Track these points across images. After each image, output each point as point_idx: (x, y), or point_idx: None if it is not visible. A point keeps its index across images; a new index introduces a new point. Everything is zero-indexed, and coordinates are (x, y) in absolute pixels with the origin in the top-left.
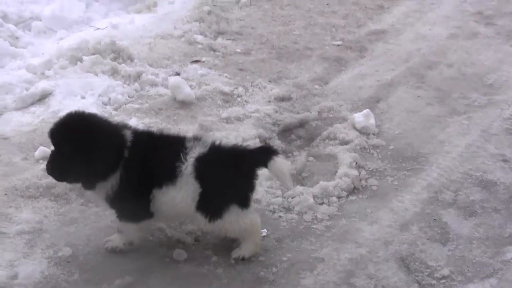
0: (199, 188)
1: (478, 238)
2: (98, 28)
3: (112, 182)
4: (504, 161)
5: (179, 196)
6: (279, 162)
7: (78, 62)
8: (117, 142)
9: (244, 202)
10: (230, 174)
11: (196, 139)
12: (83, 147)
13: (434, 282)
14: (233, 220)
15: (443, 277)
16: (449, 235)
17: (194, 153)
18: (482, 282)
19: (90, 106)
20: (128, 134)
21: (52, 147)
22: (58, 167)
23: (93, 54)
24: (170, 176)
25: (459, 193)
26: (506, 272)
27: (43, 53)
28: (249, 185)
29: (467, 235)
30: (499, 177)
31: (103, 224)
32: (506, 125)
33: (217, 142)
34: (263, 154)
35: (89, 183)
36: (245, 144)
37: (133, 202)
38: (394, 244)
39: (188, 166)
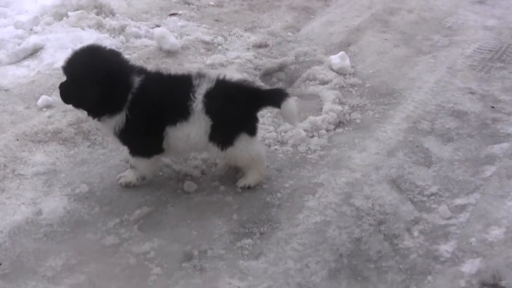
0: (210, 121)
1: (458, 160)
2: None
3: (117, 120)
4: (471, 93)
5: (193, 131)
6: (292, 103)
7: (64, 18)
8: (121, 82)
9: (252, 130)
10: (238, 105)
11: (201, 75)
12: (81, 76)
13: (424, 199)
14: (243, 147)
15: (432, 194)
16: (431, 158)
17: (201, 89)
18: (467, 197)
19: None
20: (135, 79)
21: None
22: (63, 90)
23: (77, 9)
24: (183, 113)
25: (435, 122)
26: (487, 187)
27: (26, 11)
28: (255, 116)
29: (448, 158)
30: (469, 107)
31: (113, 163)
32: (468, 62)
33: (222, 77)
34: (277, 95)
35: (91, 113)
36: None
37: (143, 139)
38: (384, 168)
39: (198, 103)
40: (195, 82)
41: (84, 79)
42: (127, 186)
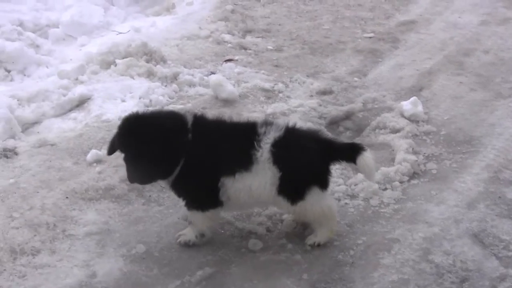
0: (278, 172)
1: None
2: (120, 33)
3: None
4: None
5: (256, 182)
6: (368, 158)
7: (112, 66)
8: (176, 137)
9: (324, 183)
10: (310, 156)
11: (268, 123)
12: (145, 150)
13: (510, 254)
14: (315, 201)
15: None
16: None
17: (268, 138)
18: None
19: (132, 108)
20: (189, 121)
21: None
22: (135, 173)
23: (125, 57)
24: (243, 163)
25: None
26: None
27: (71, 59)
28: (328, 168)
29: None
30: None
31: (170, 221)
32: None
33: (291, 125)
34: (352, 150)
35: (160, 178)
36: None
37: (197, 189)
38: (464, 222)
39: (264, 152)
40: (261, 130)
41: (150, 153)
42: (186, 244)
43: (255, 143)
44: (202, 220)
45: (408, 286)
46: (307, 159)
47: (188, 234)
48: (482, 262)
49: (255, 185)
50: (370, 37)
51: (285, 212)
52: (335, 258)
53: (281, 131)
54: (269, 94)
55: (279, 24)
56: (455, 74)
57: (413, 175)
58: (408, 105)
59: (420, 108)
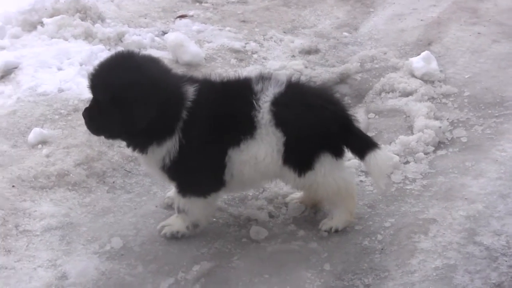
0: (283, 136)
1: None
2: None
3: (169, 147)
4: None
5: (261, 150)
6: (382, 158)
7: (39, 26)
8: (172, 96)
9: (338, 150)
10: (319, 114)
11: (264, 78)
12: (122, 96)
13: None
14: (327, 171)
15: None
16: None
17: (267, 95)
18: None
19: (74, 77)
20: (189, 89)
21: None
22: (92, 116)
23: (54, 15)
24: (245, 129)
25: None
26: None
27: None
28: (343, 133)
29: None
30: None
31: (147, 210)
32: None
33: (294, 79)
34: (363, 143)
35: (135, 144)
36: None
37: (201, 170)
38: None
39: (264, 113)
40: (257, 86)
41: (126, 98)
42: (174, 237)
43: (254, 102)
44: (200, 207)
45: (456, 272)
46: (316, 117)
47: (176, 224)
48: None
49: (261, 155)
50: None
51: (292, 187)
52: (359, 244)
53: (281, 86)
54: (241, 56)
55: None
56: (470, 23)
57: (439, 144)
58: (419, 62)
59: (434, 64)
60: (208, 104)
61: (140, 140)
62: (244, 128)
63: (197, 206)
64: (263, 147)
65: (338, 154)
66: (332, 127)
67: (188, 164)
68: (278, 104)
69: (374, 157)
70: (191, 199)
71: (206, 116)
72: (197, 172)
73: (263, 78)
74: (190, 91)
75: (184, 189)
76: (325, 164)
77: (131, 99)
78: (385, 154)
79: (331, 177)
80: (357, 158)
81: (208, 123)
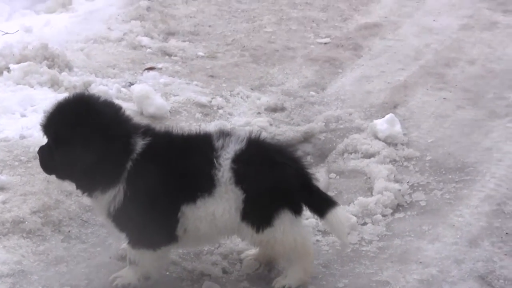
0: (242, 194)
1: None
2: (7, 33)
3: (113, 195)
4: None
5: (220, 208)
6: (341, 215)
7: (5, 72)
8: (119, 145)
9: (297, 207)
10: (279, 171)
11: (225, 134)
12: (69, 137)
13: None
14: (286, 228)
15: None
16: None
17: (228, 153)
18: None
19: (36, 124)
20: (138, 141)
21: None
22: (44, 156)
23: (21, 61)
24: (204, 186)
25: None
26: None
27: None
28: (302, 189)
29: None
30: None
31: (100, 261)
32: None
33: (254, 135)
34: (321, 202)
35: (81, 186)
36: None
37: (149, 223)
38: (466, 262)
39: (224, 171)
40: (218, 143)
41: (72, 140)
42: None
43: (214, 160)
44: (150, 260)
45: None
46: (277, 174)
47: (128, 276)
48: None
49: (219, 212)
50: (325, 43)
51: (249, 243)
52: None
53: (242, 142)
54: (207, 110)
55: (209, 26)
56: (436, 88)
57: (397, 207)
58: (383, 124)
59: (398, 127)
60: (158, 158)
61: (85, 184)
62: (201, 185)
63: (147, 258)
64: (222, 205)
65: (297, 211)
66: (293, 184)
67: (133, 216)
68: (238, 161)
69: (335, 214)
70: (140, 251)
71: (154, 170)
72: (144, 225)
73: (224, 134)
74: (140, 143)
75: (133, 240)
76: (284, 221)
77: (71, 141)
78: (345, 212)
79: (289, 233)
80: (316, 216)
81: (157, 177)
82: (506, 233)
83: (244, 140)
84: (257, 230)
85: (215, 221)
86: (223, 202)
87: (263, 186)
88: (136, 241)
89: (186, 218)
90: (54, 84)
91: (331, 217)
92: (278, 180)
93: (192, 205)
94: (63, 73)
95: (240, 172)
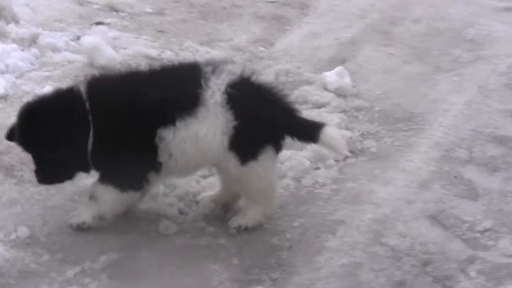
0: (234, 119)
1: None
2: None
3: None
4: None
5: (203, 128)
6: (332, 130)
7: None
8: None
9: (278, 145)
10: (273, 106)
11: (214, 65)
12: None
13: (477, 235)
14: (267, 164)
15: (486, 230)
16: (477, 190)
17: (221, 79)
18: None
19: None
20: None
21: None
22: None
23: None
24: (185, 106)
25: (473, 150)
26: None
27: None
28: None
29: (499, 189)
30: None
31: (56, 203)
32: (504, 80)
33: (247, 74)
34: (311, 129)
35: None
36: None
37: (123, 160)
38: (417, 202)
39: (215, 93)
40: (207, 68)
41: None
42: (80, 228)
43: (202, 81)
44: (112, 200)
45: (362, 269)
46: (269, 109)
47: (83, 214)
48: (446, 244)
49: (202, 132)
50: (273, 2)
51: (229, 175)
52: (268, 242)
53: (235, 75)
54: (156, 63)
55: None
56: (383, 45)
57: (349, 153)
58: (332, 76)
59: (347, 80)
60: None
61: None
62: (180, 106)
63: (110, 198)
64: (205, 125)
65: (278, 149)
66: (281, 121)
67: (106, 154)
68: (235, 88)
69: (326, 133)
70: (107, 188)
71: (115, 105)
72: (117, 163)
73: (213, 64)
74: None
75: (105, 176)
76: (267, 157)
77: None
78: (334, 128)
79: (269, 171)
80: (310, 143)
81: (120, 113)
82: (455, 176)
83: (238, 75)
84: (242, 162)
85: (199, 142)
86: (207, 123)
87: (256, 118)
88: (107, 177)
89: (167, 142)
90: (1, 35)
91: (323, 137)
92: (269, 115)
93: (172, 127)
94: (10, 25)
95: (236, 97)
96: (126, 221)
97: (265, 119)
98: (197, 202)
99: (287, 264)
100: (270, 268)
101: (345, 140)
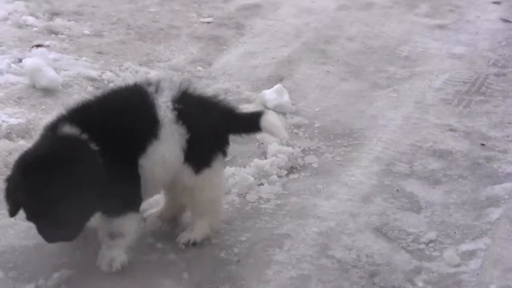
0: (186, 133)
1: (454, 203)
2: None
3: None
4: (452, 130)
5: (168, 148)
6: (270, 115)
7: None
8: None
9: (226, 150)
10: (216, 116)
11: (152, 83)
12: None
13: (422, 246)
14: (219, 169)
15: (431, 241)
16: (419, 203)
17: (165, 96)
18: (474, 242)
19: None
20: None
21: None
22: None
23: None
24: (149, 131)
25: (414, 164)
26: (496, 231)
27: None
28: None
29: (440, 201)
30: (453, 146)
31: (6, 222)
32: (440, 95)
33: (185, 87)
34: (253, 117)
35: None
36: None
37: (128, 185)
38: (361, 216)
39: (166, 110)
40: (150, 88)
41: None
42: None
43: (153, 102)
44: (137, 224)
45: (311, 282)
46: (215, 118)
47: (117, 257)
48: (391, 256)
49: (168, 153)
50: (208, 22)
51: (183, 186)
52: (216, 257)
53: (175, 90)
54: (97, 84)
55: (93, 6)
56: (320, 63)
57: (291, 169)
58: (271, 94)
59: (286, 97)
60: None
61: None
62: (147, 133)
63: (134, 223)
64: (168, 146)
65: (224, 155)
66: (225, 126)
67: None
68: (180, 102)
69: (266, 119)
70: (128, 217)
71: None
72: (126, 187)
73: (151, 83)
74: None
75: (119, 208)
76: (219, 163)
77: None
78: (272, 113)
79: (220, 177)
80: (255, 132)
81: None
82: (397, 190)
83: (176, 89)
84: (196, 172)
85: (165, 164)
86: (168, 143)
87: (205, 126)
88: (122, 208)
89: (143, 169)
90: None
91: (264, 123)
92: (214, 120)
93: (145, 155)
94: None
95: (184, 111)
96: (77, 239)
97: (212, 126)
98: (144, 220)
99: (236, 278)
100: (220, 282)
101: (287, 156)
